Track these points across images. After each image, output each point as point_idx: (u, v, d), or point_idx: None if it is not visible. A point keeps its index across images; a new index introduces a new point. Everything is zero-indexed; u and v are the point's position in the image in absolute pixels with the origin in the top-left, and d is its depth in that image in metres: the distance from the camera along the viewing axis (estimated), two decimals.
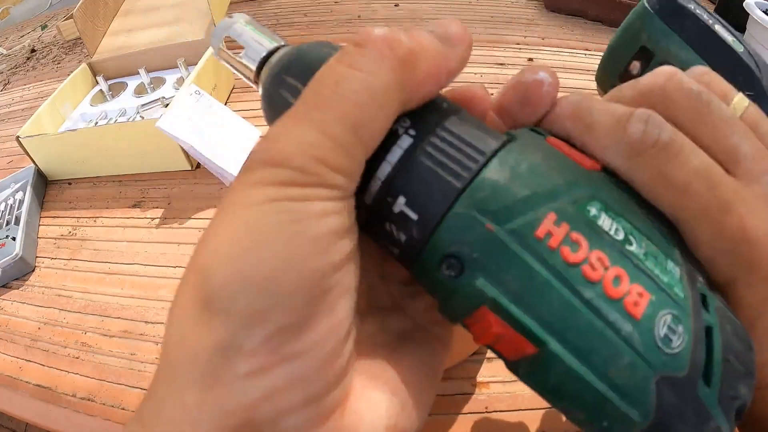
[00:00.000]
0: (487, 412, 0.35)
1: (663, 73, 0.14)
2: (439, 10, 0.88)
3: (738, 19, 0.71)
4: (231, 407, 0.10)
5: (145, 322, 0.43)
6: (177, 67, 0.67)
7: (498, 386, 0.36)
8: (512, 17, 0.86)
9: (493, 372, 0.37)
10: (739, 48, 0.40)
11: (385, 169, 0.13)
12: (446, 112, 0.14)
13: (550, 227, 0.12)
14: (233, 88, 0.70)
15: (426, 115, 0.14)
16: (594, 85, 0.69)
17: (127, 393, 0.38)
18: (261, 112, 0.16)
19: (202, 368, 0.10)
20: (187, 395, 0.10)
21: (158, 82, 0.67)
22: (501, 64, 0.73)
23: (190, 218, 0.52)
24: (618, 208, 0.13)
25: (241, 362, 0.10)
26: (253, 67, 0.16)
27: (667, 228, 0.13)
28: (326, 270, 0.11)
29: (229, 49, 0.17)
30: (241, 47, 0.17)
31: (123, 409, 0.36)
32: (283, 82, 0.15)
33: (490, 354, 0.38)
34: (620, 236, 0.12)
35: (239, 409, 0.10)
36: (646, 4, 0.43)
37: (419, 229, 0.13)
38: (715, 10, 0.84)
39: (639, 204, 0.13)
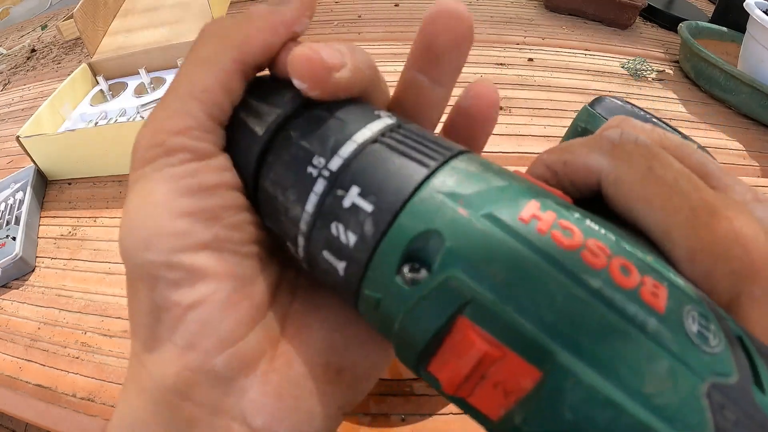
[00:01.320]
0: None
1: (615, 118, 0.15)
2: None
3: (738, 19, 0.71)
4: (169, 366, 0.12)
5: None
6: (177, 67, 0.67)
7: None
8: (512, 17, 0.86)
9: None
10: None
11: (335, 162, 0.12)
12: (403, 121, 0.13)
13: (535, 212, 0.10)
14: None
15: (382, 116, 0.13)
16: (592, 84, 0.69)
17: None
18: None
19: (144, 333, 0.13)
20: (141, 356, 0.13)
21: (158, 82, 0.67)
22: (501, 64, 0.73)
23: None
24: (601, 221, 0.11)
25: (165, 320, 0.12)
26: None
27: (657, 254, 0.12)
28: (195, 230, 0.12)
29: None
30: None
31: None
32: None
33: None
34: (612, 237, 0.10)
35: (175, 362, 0.12)
36: (588, 107, 0.42)
37: (375, 220, 0.11)
38: (715, 10, 0.84)
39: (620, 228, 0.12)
